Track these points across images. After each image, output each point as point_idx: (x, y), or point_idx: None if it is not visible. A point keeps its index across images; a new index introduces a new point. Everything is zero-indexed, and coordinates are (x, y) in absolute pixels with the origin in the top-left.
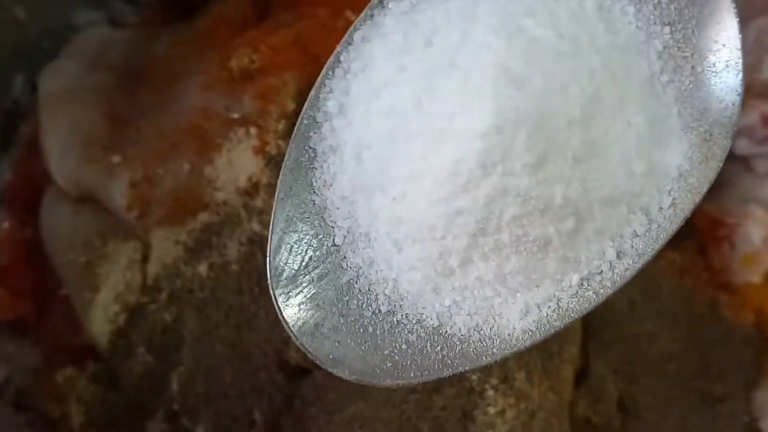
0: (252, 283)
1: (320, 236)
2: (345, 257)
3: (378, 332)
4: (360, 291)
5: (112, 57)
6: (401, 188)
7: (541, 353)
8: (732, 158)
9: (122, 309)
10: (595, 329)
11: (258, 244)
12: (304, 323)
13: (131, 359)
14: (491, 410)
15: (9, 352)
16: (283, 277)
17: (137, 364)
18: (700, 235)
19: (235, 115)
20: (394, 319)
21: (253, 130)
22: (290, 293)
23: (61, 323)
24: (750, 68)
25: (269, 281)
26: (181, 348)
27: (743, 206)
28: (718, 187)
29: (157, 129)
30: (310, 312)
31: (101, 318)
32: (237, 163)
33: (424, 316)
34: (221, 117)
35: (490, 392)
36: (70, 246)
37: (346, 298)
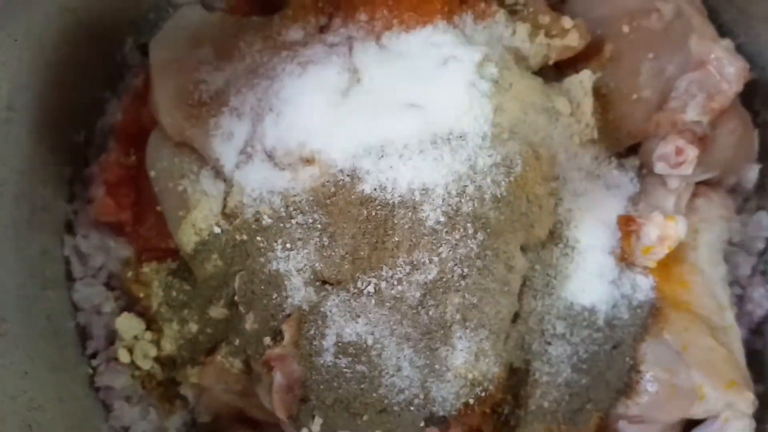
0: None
1: None
2: None
3: None
4: None
5: (208, 38)
6: None
7: None
8: (652, 175)
9: (206, 227)
10: None
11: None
12: None
13: (207, 262)
14: None
15: (108, 245)
16: None
17: (210, 267)
18: (620, 226)
19: None
20: None
21: None
22: None
23: (152, 231)
24: (676, 110)
25: None
26: (246, 259)
27: (651, 211)
28: (639, 194)
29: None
30: None
31: (189, 231)
32: None
33: None
34: None
35: None
36: (170, 176)
37: None
